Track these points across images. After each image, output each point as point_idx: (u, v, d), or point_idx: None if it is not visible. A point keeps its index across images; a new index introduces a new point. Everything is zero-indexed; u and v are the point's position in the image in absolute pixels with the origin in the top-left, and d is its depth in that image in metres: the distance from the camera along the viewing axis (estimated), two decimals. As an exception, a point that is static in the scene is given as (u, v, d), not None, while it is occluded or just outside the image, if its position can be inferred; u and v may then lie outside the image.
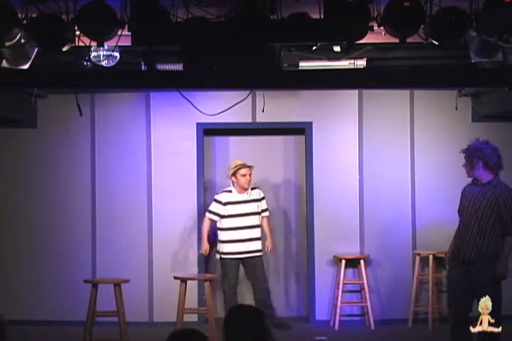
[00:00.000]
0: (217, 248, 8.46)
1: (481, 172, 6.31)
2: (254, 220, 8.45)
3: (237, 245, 8.36)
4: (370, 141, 8.79)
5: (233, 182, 8.44)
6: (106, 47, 6.46)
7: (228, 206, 8.40)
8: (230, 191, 8.45)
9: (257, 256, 8.43)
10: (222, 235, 8.42)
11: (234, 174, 8.39)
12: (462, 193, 6.49)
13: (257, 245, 8.43)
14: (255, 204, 8.47)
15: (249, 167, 8.40)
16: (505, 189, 6.27)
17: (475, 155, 6.30)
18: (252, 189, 8.49)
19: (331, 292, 8.72)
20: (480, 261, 6.22)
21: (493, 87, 7.47)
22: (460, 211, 6.46)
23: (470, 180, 6.46)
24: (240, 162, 8.42)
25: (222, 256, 8.40)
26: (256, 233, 8.44)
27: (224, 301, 8.52)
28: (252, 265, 8.42)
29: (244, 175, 8.37)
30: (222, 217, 8.40)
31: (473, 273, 6.23)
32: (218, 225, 8.46)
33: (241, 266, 8.47)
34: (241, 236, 8.36)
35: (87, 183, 8.79)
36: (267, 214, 8.57)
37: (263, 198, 8.54)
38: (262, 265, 8.50)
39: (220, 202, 8.42)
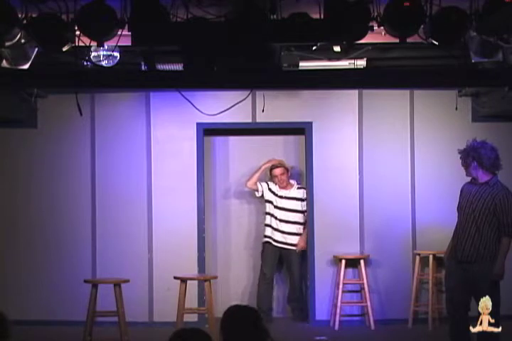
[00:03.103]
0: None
1: (477, 173, 6.30)
2: (292, 216, 8.74)
3: (275, 233, 8.71)
4: (370, 140, 8.79)
5: None
6: (106, 47, 6.45)
7: (268, 192, 8.77)
8: (276, 183, 8.83)
9: (293, 250, 8.73)
10: (266, 219, 8.83)
11: (270, 173, 8.76)
12: (461, 191, 6.49)
13: (294, 239, 8.74)
14: (296, 202, 8.75)
15: (283, 167, 8.68)
16: (502, 189, 6.25)
17: (470, 155, 6.29)
18: (299, 188, 8.79)
19: (331, 292, 8.71)
20: (477, 260, 6.22)
21: (493, 87, 7.46)
22: (458, 209, 6.46)
23: (470, 179, 6.46)
24: (274, 162, 8.77)
25: (264, 239, 8.78)
26: (293, 228, 8.74)
27: (257, 295, 8.73)
28: (288, 258, 8.78)
29: (276, 176, 8.73)
30: (263, 196, 8.80)
31: (471, 272, 6.23)
32: (266, 209, 8.83)
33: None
34: (279, 227, 8.72)
35: (87, 183, 8.78)
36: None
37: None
38: (297, 260, 8.78)
39: (267, 184, 8.79)
